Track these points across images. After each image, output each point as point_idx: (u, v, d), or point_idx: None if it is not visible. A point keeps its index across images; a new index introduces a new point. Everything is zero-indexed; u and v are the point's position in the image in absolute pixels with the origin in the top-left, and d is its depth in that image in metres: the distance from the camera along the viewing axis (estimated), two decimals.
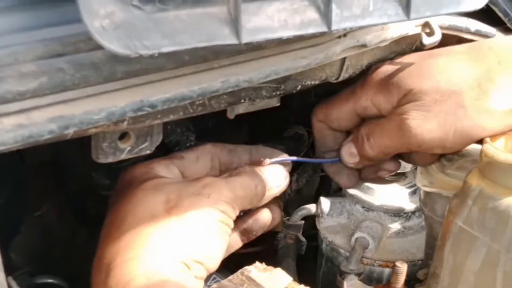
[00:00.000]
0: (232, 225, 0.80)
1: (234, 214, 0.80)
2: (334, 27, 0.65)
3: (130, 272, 0.70)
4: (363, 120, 0.91)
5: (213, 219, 0.77)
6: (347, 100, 0.89)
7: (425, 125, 0.81)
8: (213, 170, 0.89)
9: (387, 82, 0.84)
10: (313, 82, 0.81)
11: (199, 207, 0.76)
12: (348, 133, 0.94)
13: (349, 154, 0.93)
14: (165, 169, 0.84)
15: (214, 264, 0.77)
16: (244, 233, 0.89)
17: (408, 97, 0.82)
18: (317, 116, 0.94)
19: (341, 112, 0.91)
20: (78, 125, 0.60)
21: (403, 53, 0.89)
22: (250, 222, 0.88)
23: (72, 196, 1.08)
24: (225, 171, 0.88)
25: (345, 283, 0.89)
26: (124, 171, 0.85)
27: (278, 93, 0.79)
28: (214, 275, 0.90)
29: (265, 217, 0.90)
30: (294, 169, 1.17)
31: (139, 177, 0.81)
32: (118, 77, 0.62)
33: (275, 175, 0.87)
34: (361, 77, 0.89)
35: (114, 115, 0.62)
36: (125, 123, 0.67)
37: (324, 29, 0.64)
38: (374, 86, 0.86)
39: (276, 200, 0.91)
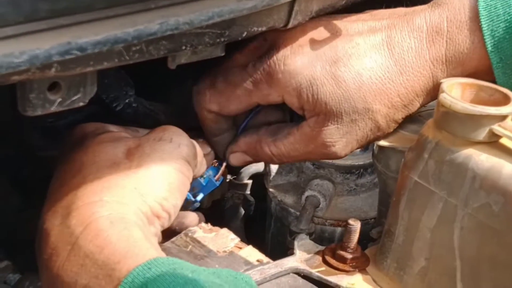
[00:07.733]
0: (191, 178, 0.78)
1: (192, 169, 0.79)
2: None
3: (93, 213, 0.68)
4: None
5: (175, 166, 0.75)
6: (249, 95, 0.84)
7: (347, 147, 0.84)
8: None
9: (300, 87, 0.81)
10: (259, 29, 0.76)
11: (161, 151, 0.75)
12: None
13: (239, 161, 0.91)
14: (118, 129, 0.82)
15: (174, 213, 0.75)
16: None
17: (326, 114, 0.81)
18: (207, 108, 0.87)
19: (241, 105, 0.86)
20: None
21: None
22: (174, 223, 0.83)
23: (4, 158, 1.03)
24: None
25: (295, 243, 0.86)
26: (73, 128, 0.82)
27: (222, 39, 0.73)
28: None
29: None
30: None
31: (93, 131, 0.79)
32: (42, 16, 0.56)
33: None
34: (255, 62, 0.84)
35: (38, 58, 0.55)
36: (53, 69, 0.61)
37: None
38: (286, 86, 0.82)
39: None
